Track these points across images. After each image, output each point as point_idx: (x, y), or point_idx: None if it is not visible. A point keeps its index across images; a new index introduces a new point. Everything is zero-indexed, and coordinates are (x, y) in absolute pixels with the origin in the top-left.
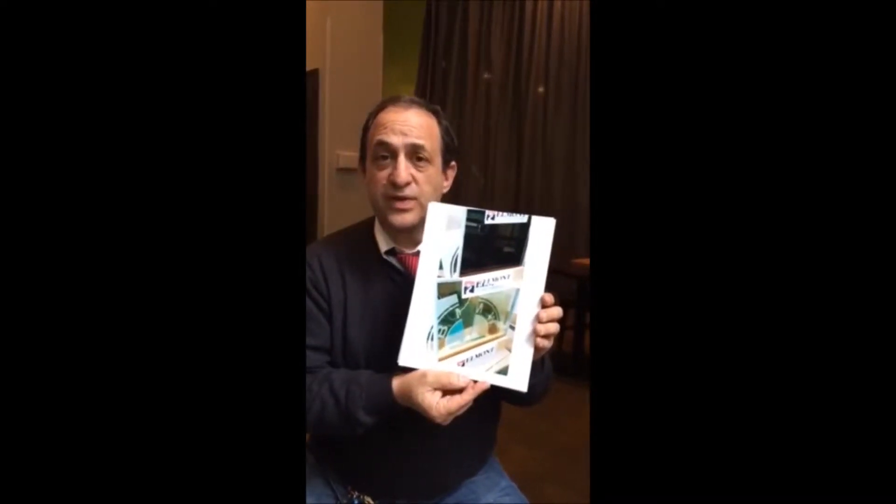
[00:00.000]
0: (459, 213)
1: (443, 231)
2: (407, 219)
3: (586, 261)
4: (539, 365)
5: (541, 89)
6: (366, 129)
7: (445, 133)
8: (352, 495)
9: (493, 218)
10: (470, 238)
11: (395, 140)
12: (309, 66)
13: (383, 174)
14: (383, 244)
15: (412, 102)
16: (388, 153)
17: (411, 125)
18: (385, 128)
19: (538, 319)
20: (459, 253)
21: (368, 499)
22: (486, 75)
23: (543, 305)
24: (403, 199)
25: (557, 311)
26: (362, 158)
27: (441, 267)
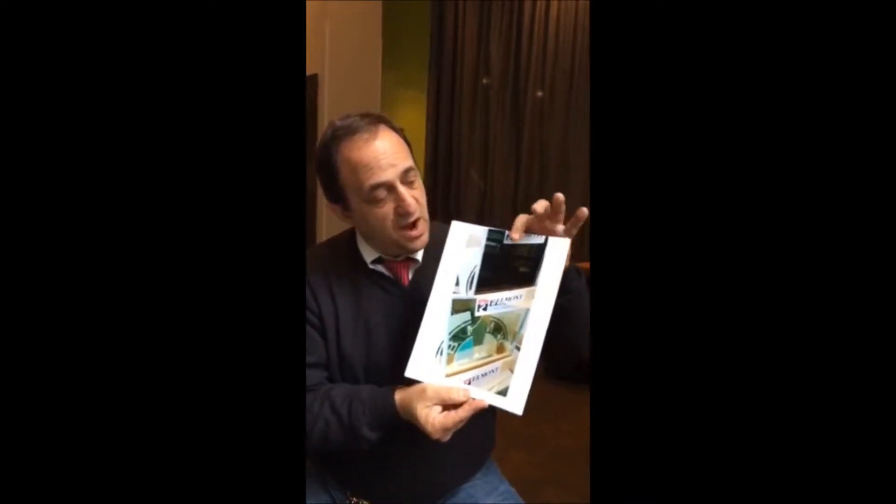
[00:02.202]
0: (480, 232)
1: (462, 249)
2: (424, 238)
3: (584, 265)
4: (575, 273)
5: (539, 93)
6: (332, 169)
7: (403, 136)
8: (350, 500)
9: (512, 238)
10: (488, 257)
11: (390, 176)
12: (308, 71)
13: (386, 210)
14: (368, 255)
15: (370, 125)
16: (386, 190)
17: (393, 153)
18: (370, 168)
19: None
20: (477, 271)
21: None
22: (484, 80)
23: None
24: (415, 223)
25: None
26: (335, 199)
27: (457, 283)
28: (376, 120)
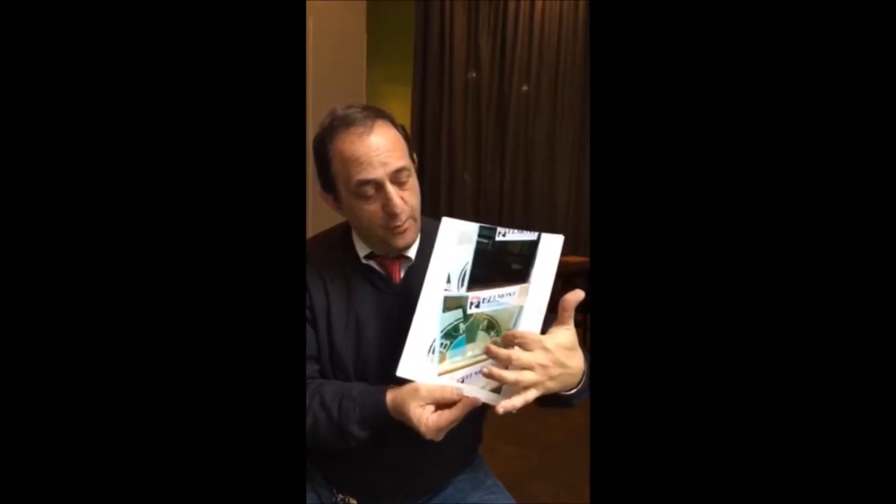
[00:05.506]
0: (472, 229)
1: (453, 246)
2: (409, 237)
3: (569, 258)
4: (587, 387)
5: (525, 87)
6: (325, 158)
7: (404, 134)
8: (336, 497)
9: (504, 235)
10: (480, 254)
11: (379, 174)
12: None
13: (374, 207)
14: (361, 249)
15: (367, 118)
16: (374, 187)
17: (386, 150)
18: (360, 163)
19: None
20: (468, 268)
21: (353, 501)
22: (472, 74)
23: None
24: (402, 223)
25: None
26: (328, 188)
27: (449, 281)
28: (375, 114)
